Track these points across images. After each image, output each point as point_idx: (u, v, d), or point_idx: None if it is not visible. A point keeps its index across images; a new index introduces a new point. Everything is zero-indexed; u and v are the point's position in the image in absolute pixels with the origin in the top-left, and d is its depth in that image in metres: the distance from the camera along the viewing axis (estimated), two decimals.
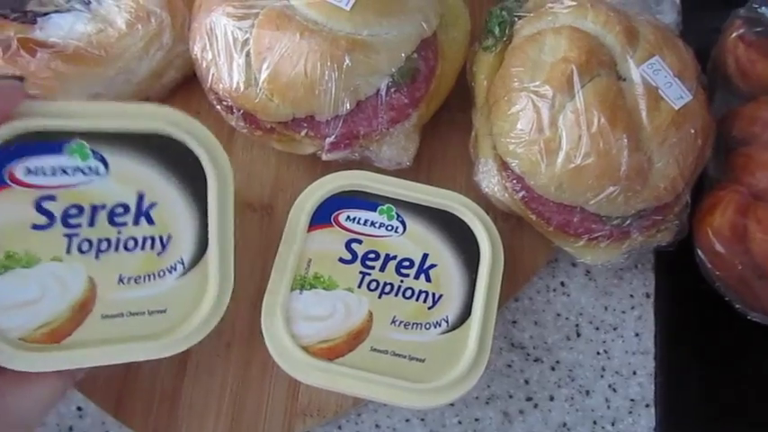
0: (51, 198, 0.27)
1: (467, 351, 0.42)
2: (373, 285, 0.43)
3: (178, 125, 0.30)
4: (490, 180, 0.49)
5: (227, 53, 0.45)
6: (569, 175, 0.45)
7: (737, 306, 0.50)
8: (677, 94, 0.46)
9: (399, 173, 0.49)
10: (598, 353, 0.53)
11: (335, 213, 0.44)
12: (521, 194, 0.48)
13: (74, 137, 0.28)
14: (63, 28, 0.49)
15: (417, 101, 0.48)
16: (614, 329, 0.53)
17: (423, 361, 0.42)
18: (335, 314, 0.42)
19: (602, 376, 0.52)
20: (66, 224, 0.28)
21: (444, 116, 0.54)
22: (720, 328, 0.54)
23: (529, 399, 0.51)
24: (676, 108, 0.46)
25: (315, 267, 0.43)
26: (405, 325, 0.43)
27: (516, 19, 0.51)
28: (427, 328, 0.43)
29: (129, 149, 0.29)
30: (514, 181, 0.48)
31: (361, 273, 0.43)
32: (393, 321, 0.42)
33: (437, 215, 0.46)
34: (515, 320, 0.53)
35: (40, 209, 0.27)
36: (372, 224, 0.44)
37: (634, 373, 0.52)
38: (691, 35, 0.57)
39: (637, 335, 0.53)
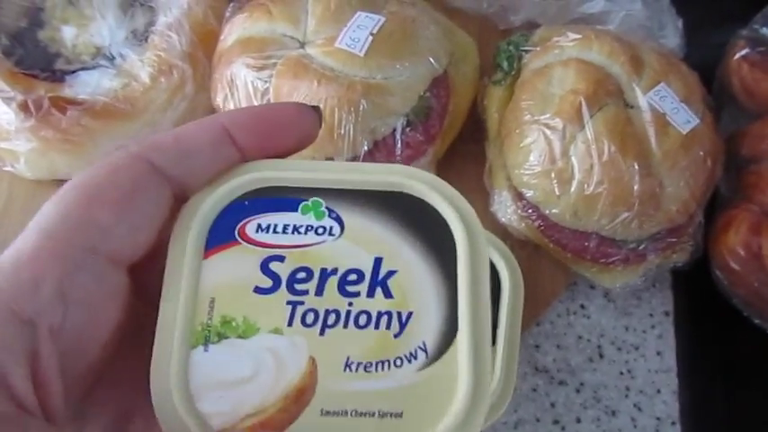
0: (280, 258, 0.24)
1: (494, 380, 0.44)
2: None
3: (422, 181, 0.25)
4: (506, 210, 0.51)
5: (248, 102, 0.47)
6: (583, 203, 0.46)
7: (756, 321, 0.51)
8: (684, 119, 0.48)
9: None
10: (621, 373, 0.53)
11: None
12: (537, 223, 0.49)
13: (309, 194, 0.25)
14: (90, 84, 0.51)
15: (432, 137, 0.50)
16: (636, 349, 0.54)
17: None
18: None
19: (626, 396, 0.53)
20: (291, 290, 0.24)
21: (458, 148, 0.55)
22: (740, 343, 0.54)
23: (556, 422, 0.52)
24: (684, 132, 0.47)
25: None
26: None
27: (524, 53, 0.52)
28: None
29: (368, 208, 0.25)
30: (530, 210, 0.49)
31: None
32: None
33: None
34: (538, 344, 0.54)
35: (265, 269, 0.24)
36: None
37: (658, 391, 0.53)
38: (695, 52, 0.59)
39: (658, 353, 0.54)
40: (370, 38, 0.46)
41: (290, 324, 0.23)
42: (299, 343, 0.23)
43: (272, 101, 0.47)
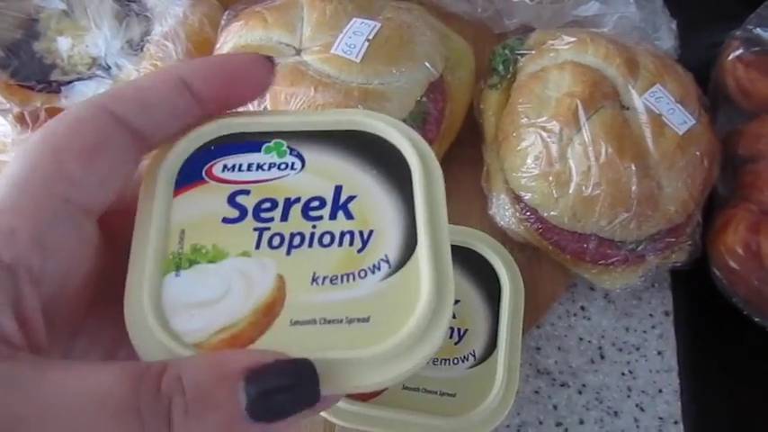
0: (245, 192, 0.25)
1: (496, 384, 0.44)
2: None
3: (378, 119, 0.27)
4: (505, 213, 0.51)
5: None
6: (582, 205, 0.46)
7: (756, 319, 0.51)
8: (681, 120, 0.48)
9: None
10: (623, 374, 0.54)
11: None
12: (536, 226, 0.49)
13: (271, 137, 0.26)
14: (87, 95, 0.51)
15: (430, 142, 0.50)
16: (637, 349, 0.54)
17: (453, 396, 0.44)
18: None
19: (628, 396, 0.53)
20: (257, 218, 0.25)
21: (455, 152, 0.55)
22: (741, 342, 0.54)
23: (559, 424, 0.52)
24: (681, 133, 0.48)
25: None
26: (433, 362, 0.44)
27: (519, 57, 0.53)
28: (455, 363, 0.44)
29: (328, 145, 0.26)
30: (528, 213, 0.49)
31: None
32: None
33: (457, 252, 0.47)
34: (539, 347, 0.54)
35: (232, 202, 0.25)
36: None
37: (660, 391, 0.53)
38: (689, 52, 0.59)
39: (659, 353, 0.54)
40: (367, 44, 0.47)
41: (257, 247, 0.24)
42: (267, 263, 0.24)
43: (269, 108, 0.47)
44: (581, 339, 0.54)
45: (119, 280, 0.23)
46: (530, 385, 0.53)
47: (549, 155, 0.47)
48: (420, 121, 0.49)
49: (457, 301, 0.46)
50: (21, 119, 0.48)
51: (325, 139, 0.26)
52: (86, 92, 0.51)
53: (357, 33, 0.47)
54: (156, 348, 0.22)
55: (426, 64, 0.49)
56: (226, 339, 0.23)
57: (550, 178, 0.47)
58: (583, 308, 0.55)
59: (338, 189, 0.25)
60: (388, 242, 0.25)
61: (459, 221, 0.52)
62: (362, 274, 0.24)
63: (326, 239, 0.25)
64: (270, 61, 0.25)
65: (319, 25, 0.48)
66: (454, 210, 0.55)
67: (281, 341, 0.23)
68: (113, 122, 0.22)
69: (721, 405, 0.53)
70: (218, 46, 0.51)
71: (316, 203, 0.25)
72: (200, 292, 0.23)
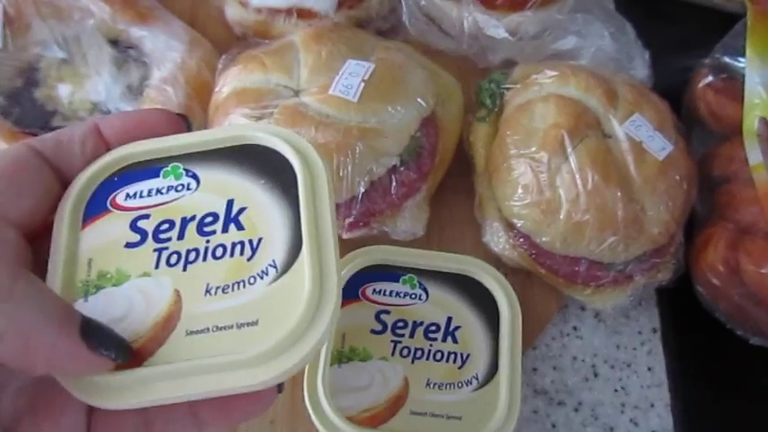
0: (146, 217, 0.28)
1: (499, 404, 0.45)
2: (405, 352, 0.46)
3: (263, 131, 0.29)
4: (498, 240, 0.53)
5: None
6: (572, 230, 0.49)
7: (739, 332, 0.54)
8: (660, 146, 0.51)
9: (413, 242, 0.53)
10: (616, 390, 0.56)
11: (362, 288, 0.48)
12: (529, 252, 0.51)
13: (169, 161, 0.29)
14: None
15: (425, 174, 0.52)
16: (628, 366, 0.57)
17: (459, 418, 0.45)
18: (374, 383, 0.45)
19: (622, 412, 0.55)
20: (156, 239, 0.27)
21: (447, 183, 0.58)
22: (726, 354, 0.57)
23: None
24: (660, 159, 0.50)
25: (350, 341, 0.46)
26: (439, 386, 0.46)
27: (505, 90, 0.55)
28: (459, 387, 0.46)
29: (220, 162, 0.29)
30: (521, 240, 0.51)
31: (392, 341, 0.46)
32: (428, 384, 0.46)
33: (456, 279, 0.49)
34: (535, 367, 0.56)
35: (134, 227, 0.28)
36: (397, 294, 0.48)
37: (652, 405, 0.55)
38: (661, 76, 0.63)
39: (649, 369, 0.57)
40: (362, 84, 0.49)
41: (156, 267, 0.27)
42: (165, 281, 0.27)
43: None
44: (575, 358, 0.56)
45: None
46: (528, 405, 0.55)
47: (538, 184, 0.49)
48: (415, 155, 0.51)
49: (458, 327, 0.48)
50: None
51: (219, 156, 0.29)
52: None
53: (353, 74, 0.49)
54: None
55: (419, 100, 0.51)
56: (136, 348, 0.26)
57: (541, 206, 0.49)
58: (575, 328, 0.58)
59: (230, 203, 0.28)
60: (275, 247, 0.27)
61: (453, 248, 0.54)
62: (252, 280, 0.27)
63: (219, 252, 0.27)
64: (182, 118, 0.29)
65: (316, 68, 0.50)
66: (450, 238, 0.58)
67: (176, 352, 0.26)
68: (30, 152, 0.26)
69: (710, 416, 0.56)
70: (216, 89, 0.53)
71: (210, 219, 0.28)
72: (106, 314, 0.26)
